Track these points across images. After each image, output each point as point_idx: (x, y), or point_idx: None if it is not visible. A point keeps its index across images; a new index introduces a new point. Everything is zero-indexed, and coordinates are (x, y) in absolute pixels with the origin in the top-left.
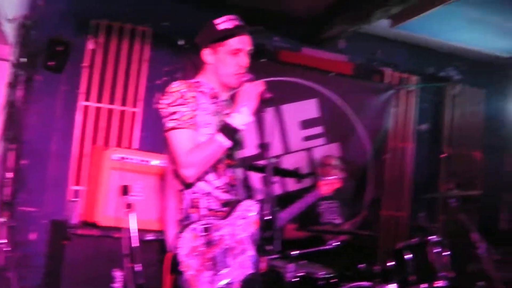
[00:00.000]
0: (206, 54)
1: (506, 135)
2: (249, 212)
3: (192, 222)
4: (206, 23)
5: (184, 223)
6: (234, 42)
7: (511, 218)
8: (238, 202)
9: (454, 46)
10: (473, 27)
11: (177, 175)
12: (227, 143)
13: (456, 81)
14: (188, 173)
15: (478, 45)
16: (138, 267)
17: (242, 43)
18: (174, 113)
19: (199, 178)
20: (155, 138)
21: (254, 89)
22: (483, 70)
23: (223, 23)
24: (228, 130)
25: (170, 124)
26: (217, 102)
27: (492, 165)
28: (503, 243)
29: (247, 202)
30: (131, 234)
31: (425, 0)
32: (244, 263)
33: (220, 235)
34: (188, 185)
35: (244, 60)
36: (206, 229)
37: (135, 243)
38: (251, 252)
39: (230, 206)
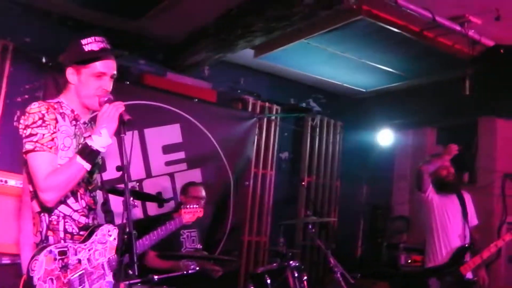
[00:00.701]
0: (69, 74)
1: (362, 166)
2: (108, 237)
3: (49, 245)
4: (73, 40)
5: (41, 246)
6: (98, 66)
7: (366, 245)
8: (97, 226)
9: (315, 78)
10: (332, 62)
11: (35, 197)
12: (87, 165)
13: (316, 112)
14: (48, 197)
15: (336, 79)
16: None
17: (107, 67)
18: (33, 135)
19: (60, 200)
20: (13, 157)
21: (113, 111)
22: (341, 103)
23: (90, 44)
24: (88, 153)
25: (28, 146)
26: (77, 125)
27: (348, 195)
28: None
29: (106, 226)
30: None
31: (286, 34)
32: (102, 287)
33: (77, 259)
34: (47, 208)
35: (107, 83)
36: (63, 253)
37: None
38: (109, 277)
39: (88, 230)
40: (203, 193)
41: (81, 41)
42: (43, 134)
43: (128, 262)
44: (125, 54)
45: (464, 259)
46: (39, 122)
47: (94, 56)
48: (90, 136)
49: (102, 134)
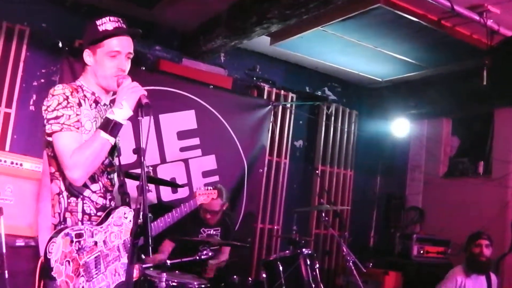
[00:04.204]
0: (86, 55)
1: (376, 155)
2: (124, 219)
3: (66, 227)
4: (89, 22)
5: (59, 227)
6: (112, 44)
7: (379, 235)
8: (113, 208)
9: (330, 67)
10: (349, 50)
11: (55, 178)
12: (111, 139)
13: (331, 100)
14: (75, 175)
15: (352, 68)
16: (6, 274)
17: (121, 45)
18: (59, 116)
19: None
20: (28, 140)
21: (133, 86)
22: (357, 92)
23: (104, 24)
24: (111, 126)
25: (55, 128)
26: (97, 107)
27: (362, 184)
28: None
29: (123, 209)
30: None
31: (303, 21)
32: (116, 270)
33: (93, 241)
34: (66, 189)
35: (123, 63)
36: (79, 235)
37: (3, 248)
38: (124, 259)
39: (105, 212)
40: (216, 207)
41: (96, 21)
42: (69, 115)
43: (143, 244)
44: (139, 32)
45: None
46: (64, 103)
47: (108, 35)
48: (111, 110)
49: (124, 106)
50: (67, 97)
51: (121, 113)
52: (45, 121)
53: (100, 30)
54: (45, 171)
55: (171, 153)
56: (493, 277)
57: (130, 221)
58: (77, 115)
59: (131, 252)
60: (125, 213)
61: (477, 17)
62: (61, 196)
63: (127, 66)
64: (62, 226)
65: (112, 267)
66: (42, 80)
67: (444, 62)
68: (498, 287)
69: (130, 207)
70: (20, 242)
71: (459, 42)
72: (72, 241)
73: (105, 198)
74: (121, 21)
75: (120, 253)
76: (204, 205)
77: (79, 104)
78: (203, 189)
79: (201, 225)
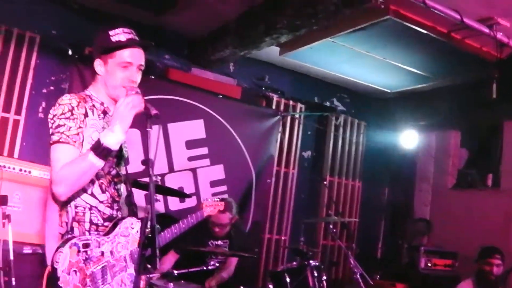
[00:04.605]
0: (97, 65)
1: (384, 167)
2: (131, 230)
3: (74, 237)
4: (101, 31)
5: (66, 237)
6: (125, 55)
7: (387, 246)
8: (120, 219)
9: (339, 77)
10: (358, 61)
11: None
12: (99, 163)
13: (340, 111)
14: (59, 190)
15: (361, 79)
16: (13, 281)
17: (133, 57)
18: (60, 126)
19: (85, 191)
20: (37, 148)
21: (129, 107)
22: (365, 103)
23: (117, 34)
24: (100, 149)
25: (54, 138)
26: (105, 117)
27: (370, 195)
28: (379, 269)
29: (129, 219)
30: (7, 247)
31: (312, 32)
32: (123, 281)
33: (100, 252)
34: (74, 198)
35: (134, 74)
36: (86, 245)
37: (11, 256)
38: (130, 270)
39: (112, 222)
40: (224, 220)
41: (109, 31)
42: (70, 127)
43: (150, 255)
44: (152, 45)
45: None
46: (68, 114)
47: (120, 46)
48: (105, 131)
49: (115, 131)
50: (73, 108)
51: (112, 138)
52: (50, 130)
53: (113, 40)
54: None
55: (179, 162)
56: None
57: (137, 231)
58: (79, 127)
59: (139, 263)
60: (132, 224)
61: (486, 30)
62: (68, 205)
63: (138, 78)
64: (69, 235)
65: (119, 278)
66: (52, 88)
67: (453, 74)
68: None
69: (137, 218)
70: (27, 250)
71: (468, 54)
72: (79, 251)
73: (112, 208)
74: (134, 33)
75: (126, 263)
76: (212, 218)
77: (86, 115)
78: (210, 201)
79: (209, 237)
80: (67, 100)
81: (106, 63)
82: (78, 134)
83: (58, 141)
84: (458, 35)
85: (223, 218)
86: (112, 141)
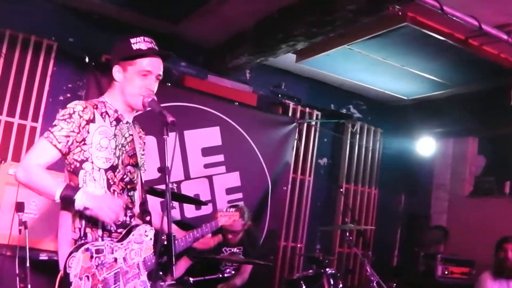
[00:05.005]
0: (115, 71)
1: (401, 174)
2: (145, 237)
3: (87, 242)
4: (122, 39)
5: (79, 243)
6: (144, 63)
7: (403, 254)
8: (134, 226)
9: (356, 84)
10: (374, 68)
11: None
12: (58, 200)
13: (356, 118)
14: (19, 175)
15: (377, 86)
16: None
17: (153, 66)
18: (55, 125)
19: None
20: None
21: (109, 211)
22: (382, 110)
23: (138, 43)
24: (66, 198)
25: (44, 134)
26: (118, 125)
27: (386, 203)
28: (395, 277)
29: (143, 226)
30: (24, 253)
31: (329, 39)
32: (137, 287)
33: (113, 258)
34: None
35: (152, 83)
36: (99, 251)
37: (27, 262)
38: (143, 277)
39: (126, 229)
40: (236, 227)
41: (130, 39)
42: (62, 128)
43: (165, 264)
44: (172, 56)
45: None
46: (67, 116)
47: (141, 54)
48: (81, 190)
49: (85, 204)
50: (74, 112)
51: (79, 201)
52: None
53: (134, 48)
54: None
55: (195, 169)
56: None
57: (151, 239)
58: (72, 131)
59: (155, 271)
60: (146, 231)
61: (504, 36)
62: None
63: (155, 87)
64: (82, 241)
65: (131, 284)
66: (68, 95)
67: (471, 81)
68: None
69: (151, 225)
70: (43, 256)
71: (486, 61)
72: (92, 257)
73: (125, 215)
74: (154, 43)
75: (140, 270)
76: (225, 225)
77: (91, 121)
78: (225, 211)
79: (222, 244)
80: (73, 104)
81: (126, 70)
82: (67, 136)
83: (44, 137)
84: (476, 42)
85: (236, 225)
86: (77, 202)
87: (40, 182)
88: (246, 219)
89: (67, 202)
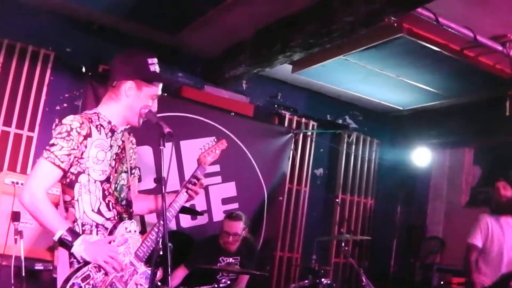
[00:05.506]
0: (128, 86)
1: (397, 184)
2: (127, 234)
3: (71, 276)
4: (136, 55)
5: (64, 278)
6: (159, 88)
7: (399, 265)
8: (111, 231)
9: (352, 95)
10: (370, 79)
11: (70, 206)
12: (55, 237)
13: (352, 129)
14: (23, 199)
15: (374, 97)
16: None
17: (160, 90)
18: (54, 145)
19: (92, 209)
20: None
21: (108, 256)
22: (378, 120)
23: (154, 64)
24: (64, 242)
25: (44, 154)
26: (114, 136)
27: (383, 213)
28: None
29: (122, 225)
30: (19, 263)
31: (325, 50)
32: (137, 282)
33: (103, 274)
34: (81, 217)
35: (155, 105)
36: (87, 277)
37: (23, 272)
38: (141, 269)
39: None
40: (238, 229)
41: (148, 59)
42: (62, 147)
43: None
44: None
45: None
46: (65, 134)
47: (158, 78)
48: (81, 239)
49: (81, 253)
50: (72, 129)
51: (77, 249)
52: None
53: (152, 70)
54: (61, 200)
55: None
56: None
57: (135, 231)
58: (72, 149)
59: (151, 281)
60: (126, 228)
61: (500, 47)
62: (75, 224)
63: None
64: (73, 268)
65: (132, 283)
66: (65, 105)
67: (467, 91)
68: None
69: (132, 217)
70: (39, 266)
71: (481, 72)
72: (81, 287)
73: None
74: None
75: (135, 266)
76: (226, 227)
77: (89, 135)
78: (206, 148)
79: (220, 253)
80: (69, 121)
81: (141, 89)
82: (69, 155)
83: (45, 158)
84: (471, 53)
85: (236, 227)
86: (75, 250)
87: (44, 214)
88: (244, 224)
89: (64, 245)
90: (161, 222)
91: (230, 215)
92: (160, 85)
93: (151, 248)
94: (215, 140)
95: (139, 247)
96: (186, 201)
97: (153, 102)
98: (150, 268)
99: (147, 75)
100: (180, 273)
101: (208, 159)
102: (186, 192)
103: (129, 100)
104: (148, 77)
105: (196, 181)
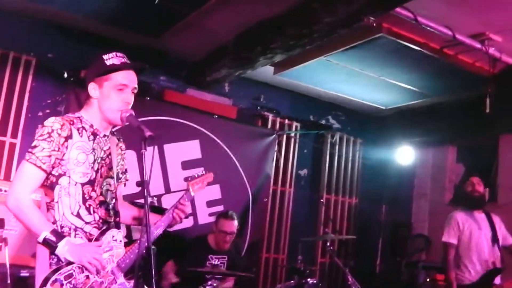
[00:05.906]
0: (91, 88)
1: (381, 183)
2: (113, 242)
3: (54, 272)
4: (95, 56)
5: (45, 276)
6: (120, 77)
7: (385, 263)
8: (99, 235)
9: (334, 96)
10: (352, 79)
11: (50, 208)
12: (40, 239)
13: (335, 129)
14: (9, 204)
15: (356, 97)
16: None
17: (128, 79)
18: (35, 146)
19: (71, 212)
20: None
21: (93, 257)
22: (361, 120)
23: (111, 58)
24: (48, 242)
25: (26, 156)
26: (96, 139)
27: (368, 212)
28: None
29: (110, 232)
30: (4, 270)
31: (306, 51)
32: None
33: (85, 276)
34: (60, 219)
35: (129, 97)
36: (69, 276)
37: (8, 279)
38: (120, 279)
39: (92, 241)
40: (233, 228)
41: (103, 56)
42: (43, 148)
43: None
44: (146, 68)
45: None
46: (46, 135)
47: (115, 68)
48: (65, 240)
49: (66, 254)
50: (52, 130)
51: (61, 249)
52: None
53: (108, 64)
54: (42, 202)
55: (176, 183)
56: (494, 216)
57: (120, 241)
58: (53, 150)
59: (135, 285)
60: (113, 236)
61: (479, 45)
62: (55, 225)
63: (132, 99)
64: (52, 269)
65: None
66: (48, 111)
67: (448, 89)
68: (502, 224)
69: (119, 227)
70: (24, 273)
71: (461, 70)
72: (62, 285)
73: (99, 229)
74: (126, 57)
75: (115, 275)
76: (223, 227)
77: (69, 137)
78: (195, 177)
79: (209, 252)
80: (50, 122)
81: (102, 86)
82: (49, 156)
83: (27, 160)
84: (451, 51)
85: (233, 225)
86: (59, 251)
87: (29, 217)
88: (238, 224)
89: (48, 246)
90: (144, 235)
91: (226, 215)
92: (125, 73)
93: (133, 261)
94: (203, 171)
95: (122, 257)
96: (170, 224)
97: (122, 93)
98: (129, 281)
99: (102, 69)
100: (171, 267)
101: (195, 188)
102: (172, 214)
103: (98, 100)
104: (103, 72)
105: (182, 206)
